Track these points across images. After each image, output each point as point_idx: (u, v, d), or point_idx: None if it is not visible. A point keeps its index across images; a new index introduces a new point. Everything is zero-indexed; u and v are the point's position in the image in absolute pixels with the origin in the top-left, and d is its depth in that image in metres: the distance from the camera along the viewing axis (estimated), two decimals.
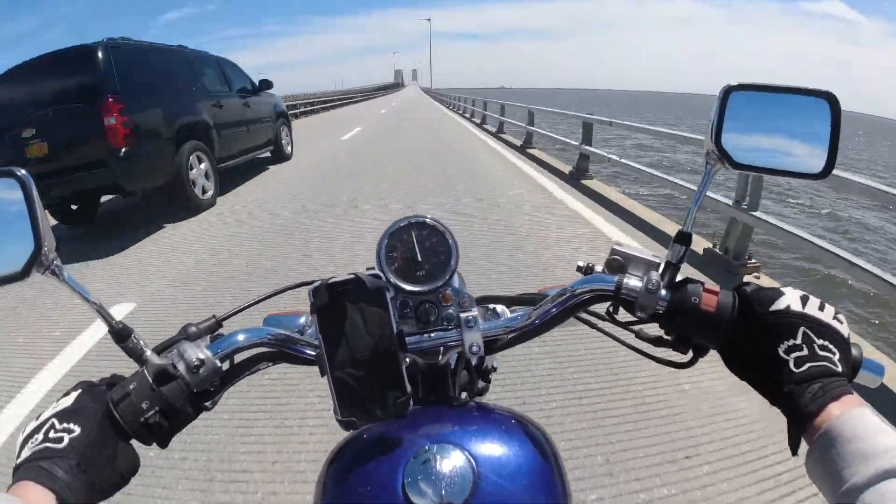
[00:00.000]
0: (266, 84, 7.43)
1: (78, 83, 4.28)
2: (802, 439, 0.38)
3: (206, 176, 5.45)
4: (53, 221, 4.99)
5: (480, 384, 0.64)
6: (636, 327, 0.52)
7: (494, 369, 0.65)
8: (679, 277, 0.48)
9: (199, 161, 5.32)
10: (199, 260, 3.82)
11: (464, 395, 0.58)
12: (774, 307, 0.43)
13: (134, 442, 0.43)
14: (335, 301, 0.45)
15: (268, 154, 7.88)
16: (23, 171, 0.44)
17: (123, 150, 4.26)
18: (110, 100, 4.19)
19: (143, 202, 5.64)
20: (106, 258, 4.04)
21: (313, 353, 0.49)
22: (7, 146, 4.28)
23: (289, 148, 8.56)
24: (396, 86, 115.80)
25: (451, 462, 0.45)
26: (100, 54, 4.32)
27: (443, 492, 0.43)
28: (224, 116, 5.98)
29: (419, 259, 0.53)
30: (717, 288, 0.46)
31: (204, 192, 5.39)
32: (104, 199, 5.70)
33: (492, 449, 0.47)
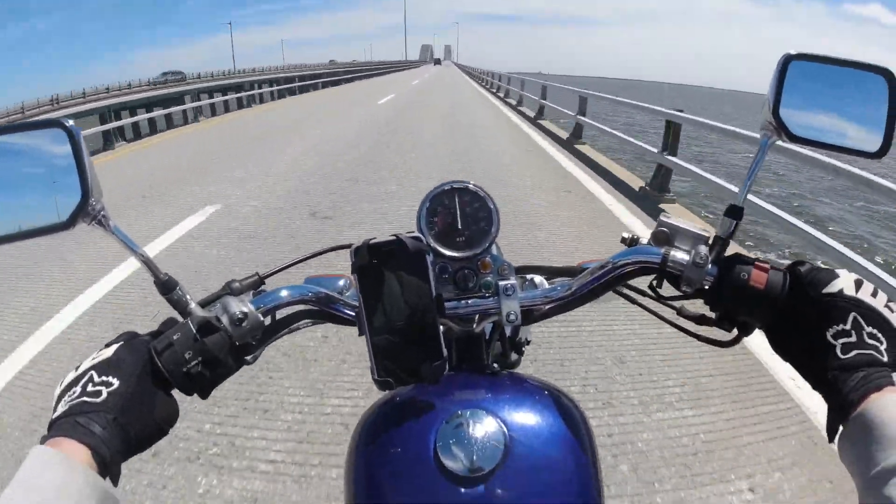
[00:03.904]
0: None
1: None
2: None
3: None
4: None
5: (513, 356, 0.64)
6: (678, 303, 0.51)
7: (528, 342, 0.65)
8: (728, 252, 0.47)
9: None
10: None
11: (495, 365, 0.58)
12: (827, 290, 0.41)
13: (175, 393, 0.43)
14: (375, 262, 0.45)
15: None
16: (70, 122, 0.44)
17: None
18: None
19: None
20: None
21: (353, 313, 0.49)
22: None
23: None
24: (421, 63, 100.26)
25: (484, 428, 0.45)
26: None
27: (474, 456, 0.43)
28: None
29: (459, 225, 0.53)
30: (767, 265, 0.45)
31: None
32: None
33: (524, 418, 0.47)
